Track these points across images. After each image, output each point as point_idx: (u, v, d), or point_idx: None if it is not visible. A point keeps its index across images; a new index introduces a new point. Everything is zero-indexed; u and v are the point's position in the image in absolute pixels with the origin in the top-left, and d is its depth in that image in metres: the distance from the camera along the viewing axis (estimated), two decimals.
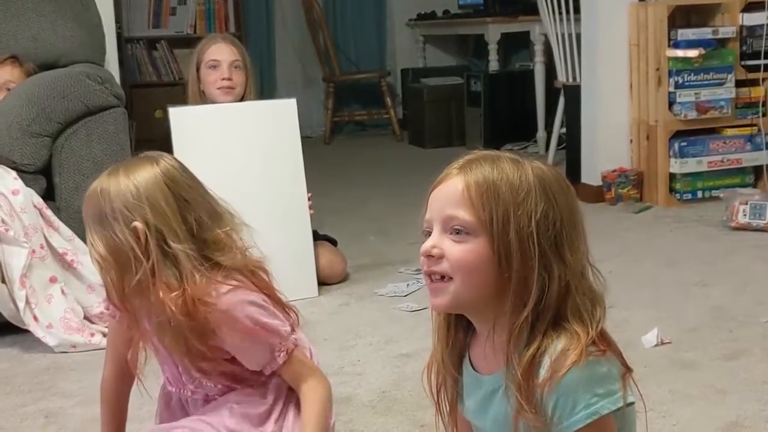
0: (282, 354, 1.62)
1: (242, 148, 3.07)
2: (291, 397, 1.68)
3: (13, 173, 2.79)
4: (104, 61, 3.50)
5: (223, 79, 3.18)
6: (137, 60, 6.87)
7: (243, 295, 1.58)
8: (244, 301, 1.58)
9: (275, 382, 1.67)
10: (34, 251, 2.68)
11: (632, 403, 1.20)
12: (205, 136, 3.03)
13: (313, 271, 3.13)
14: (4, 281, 2.64)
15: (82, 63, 3.30)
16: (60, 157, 2.91)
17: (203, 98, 3.24)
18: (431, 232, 1.22)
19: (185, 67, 3.34)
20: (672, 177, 4.16)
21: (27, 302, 2.62)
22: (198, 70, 3.25)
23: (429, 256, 1.20)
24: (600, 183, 4.29)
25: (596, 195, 4.27)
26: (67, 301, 2.68)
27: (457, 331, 1.30)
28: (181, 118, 3.04)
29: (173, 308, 1.51)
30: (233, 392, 1.66)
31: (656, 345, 2.47)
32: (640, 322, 2.63)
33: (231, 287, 1.56)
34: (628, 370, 1.20)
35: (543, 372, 1.16)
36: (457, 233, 1.19)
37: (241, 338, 1.57)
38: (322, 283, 3.17)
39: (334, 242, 3.38)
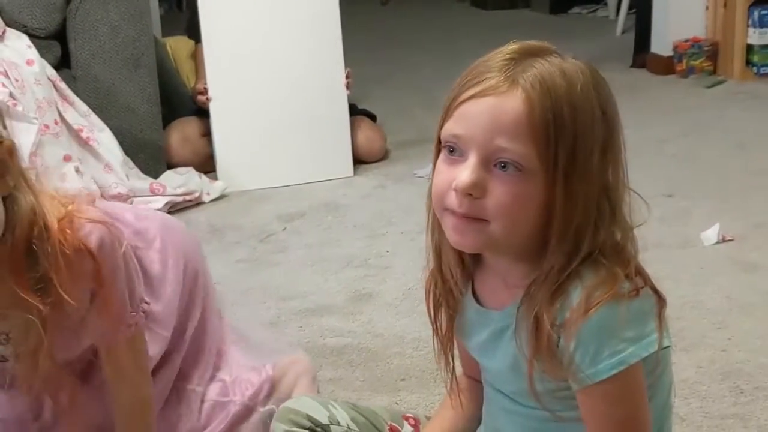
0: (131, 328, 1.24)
1: (274, 15, 2.86)
2: None
3: (27, 40, 2.61)
4: None
5: None
6: None
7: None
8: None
9: None
10: (47, 126, 2.51)
11: (668, 347, 0.98)
12: (234, 3, 2.81)
13: (348, 149, 2.95)
14: None
15: None
16: (74, 22, 2.73)
17: None
18: (454, 150, 0.96)
19: None
20: (749, 49, 3.90)
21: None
22: None
23: (467, 194, 0.94)
24: (671, 53, 4.06)
25: (666, 66, 4.08)
26: (83, 181, 2.52)
27: (463, 257, 1.08)
28: None
29: None
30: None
31: (717, 243, 2.25)
32: (701, 214, 2.43)
33: None
34: (661, 301, 0.97)
35: (567, 311, 0.95)
36: (506, 168, 0.93)
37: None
38: (359, 161, 2.99)
39: (373, 117, 3.17)
